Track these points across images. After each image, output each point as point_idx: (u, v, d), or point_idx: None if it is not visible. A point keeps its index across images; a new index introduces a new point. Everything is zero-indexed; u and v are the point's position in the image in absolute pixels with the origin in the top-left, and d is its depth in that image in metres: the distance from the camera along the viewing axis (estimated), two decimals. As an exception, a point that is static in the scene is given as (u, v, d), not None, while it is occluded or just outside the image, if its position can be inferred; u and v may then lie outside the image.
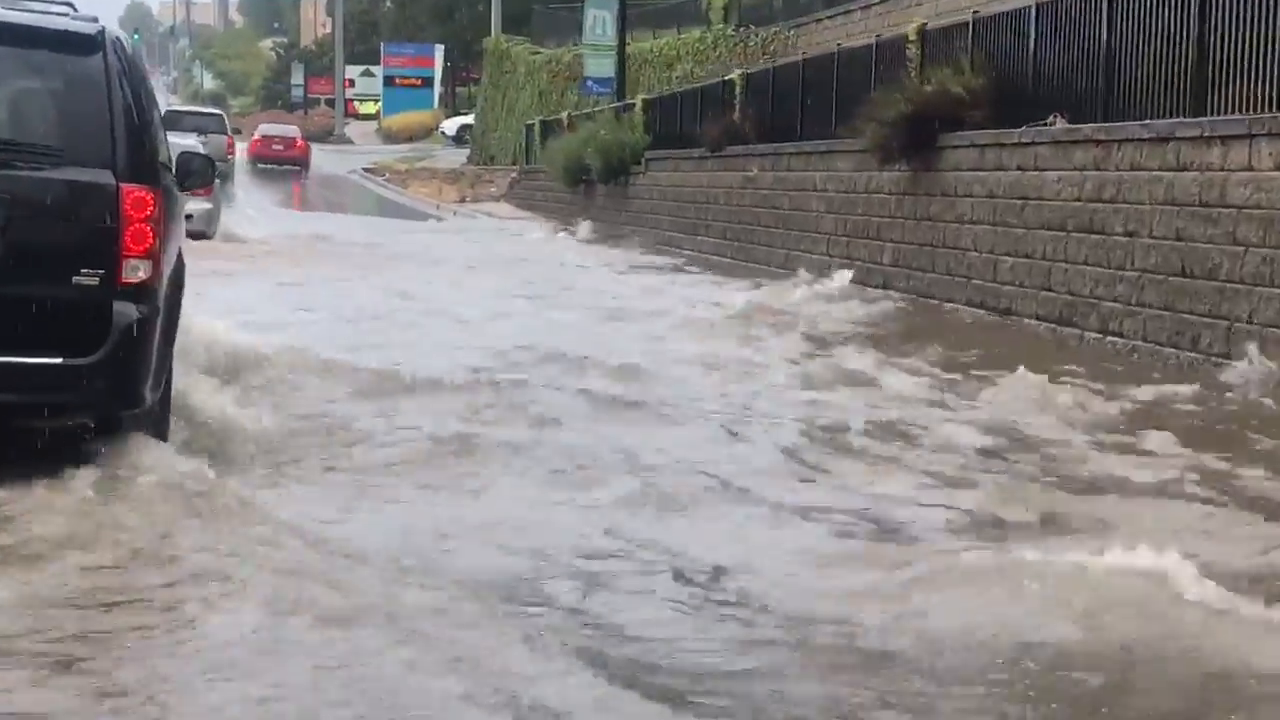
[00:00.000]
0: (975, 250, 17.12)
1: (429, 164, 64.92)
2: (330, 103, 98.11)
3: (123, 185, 7.66)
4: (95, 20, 8.27)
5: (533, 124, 48.44)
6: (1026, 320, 15.67)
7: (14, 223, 7.53)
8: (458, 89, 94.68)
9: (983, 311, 16.71)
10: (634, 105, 35.93)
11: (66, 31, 8.00)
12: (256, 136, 64.90)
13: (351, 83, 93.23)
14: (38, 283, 7.55)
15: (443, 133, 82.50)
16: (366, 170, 63.73)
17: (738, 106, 28.03)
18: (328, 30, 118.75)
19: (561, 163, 37.98)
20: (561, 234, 35.33)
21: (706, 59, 42.71)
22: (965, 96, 18.15)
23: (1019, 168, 16.30)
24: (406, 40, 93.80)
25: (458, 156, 69.90)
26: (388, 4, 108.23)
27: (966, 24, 18.79)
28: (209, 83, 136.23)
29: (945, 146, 18.17)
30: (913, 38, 20.22)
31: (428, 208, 48.04)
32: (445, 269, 24.44)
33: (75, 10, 8.62)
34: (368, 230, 34.84)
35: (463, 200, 48.66)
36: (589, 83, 40.52)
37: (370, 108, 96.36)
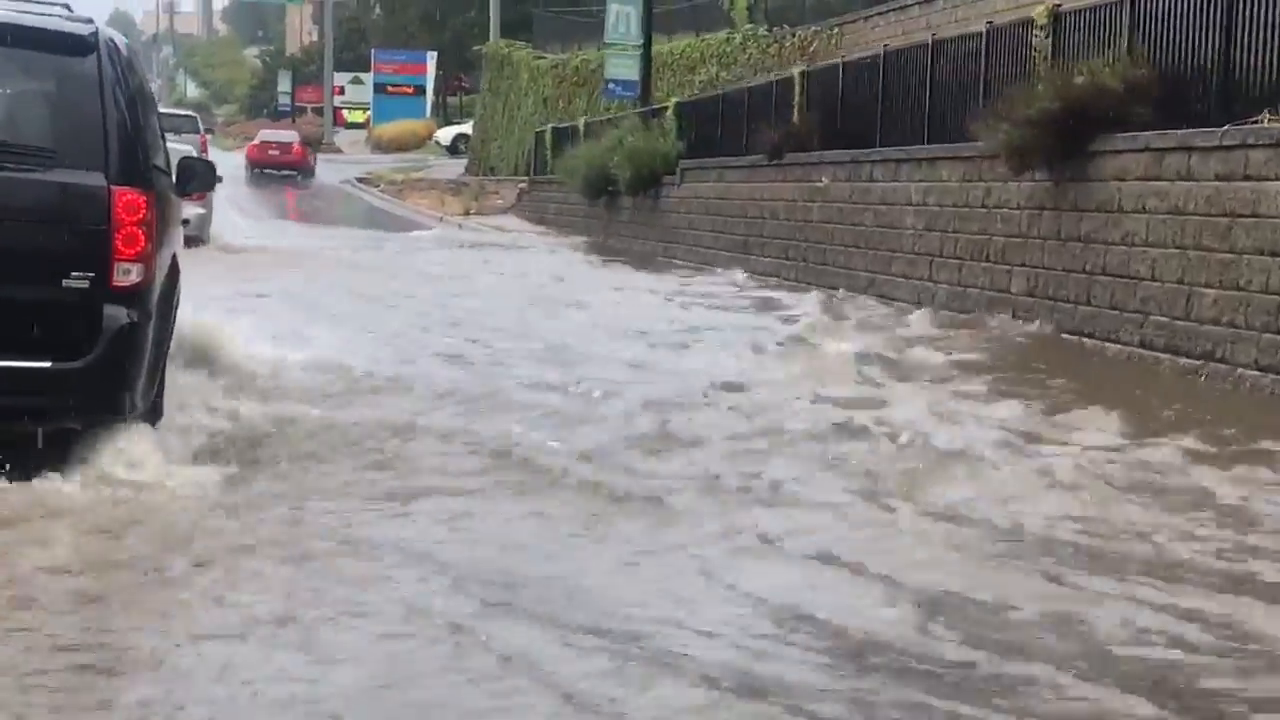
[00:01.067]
0: (1155, 279, 13.73)
1: (426, 174, 61.55)
2: (318, 111, 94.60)
3: (114, 188, 7.51)
4: (90, 21, 8.04)
5: (543, 131, 45.02)
6: (1241, 370, 12.29)
7: (3, 225, 7.41)
8: (449, 98, 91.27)
9: (1169, 356, 13.33)
10: (664, 110, 32.53)
11: (60, 33, 7.82)
12: (255, 142, 64.38)
13: (341, 90, 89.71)
14: (28, 285, 7.42)
15: (437, 142, 79.01)
16: (360, 181, 60.30)
17: (797, 109, 24.67)
18: (314, 39, 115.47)
19: (582, 173, 34.57)
20: (592, 253, 31.85)
21: (734, 61, 39.34)
22: (1123, 91, 14.83)
23: (1220, 177, 12.93)
24: (396, 48, 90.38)
25: (454, 167, 66.49)
26: (376, 11, 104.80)
27: (1120, 2, 15.41)
28: (193, 91, 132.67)
29: (1102, 151, 14.80)
30: (1042, 21, 16.85)
31: (430, 220, 44.61)
32: (510, 297, 20.70)
33: (70, 10, 8.40)
34: (379, 247, 31.38)
35: (467, 213, 45.21)
36: (611, 85, 37.10)
37: (359, 116, 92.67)
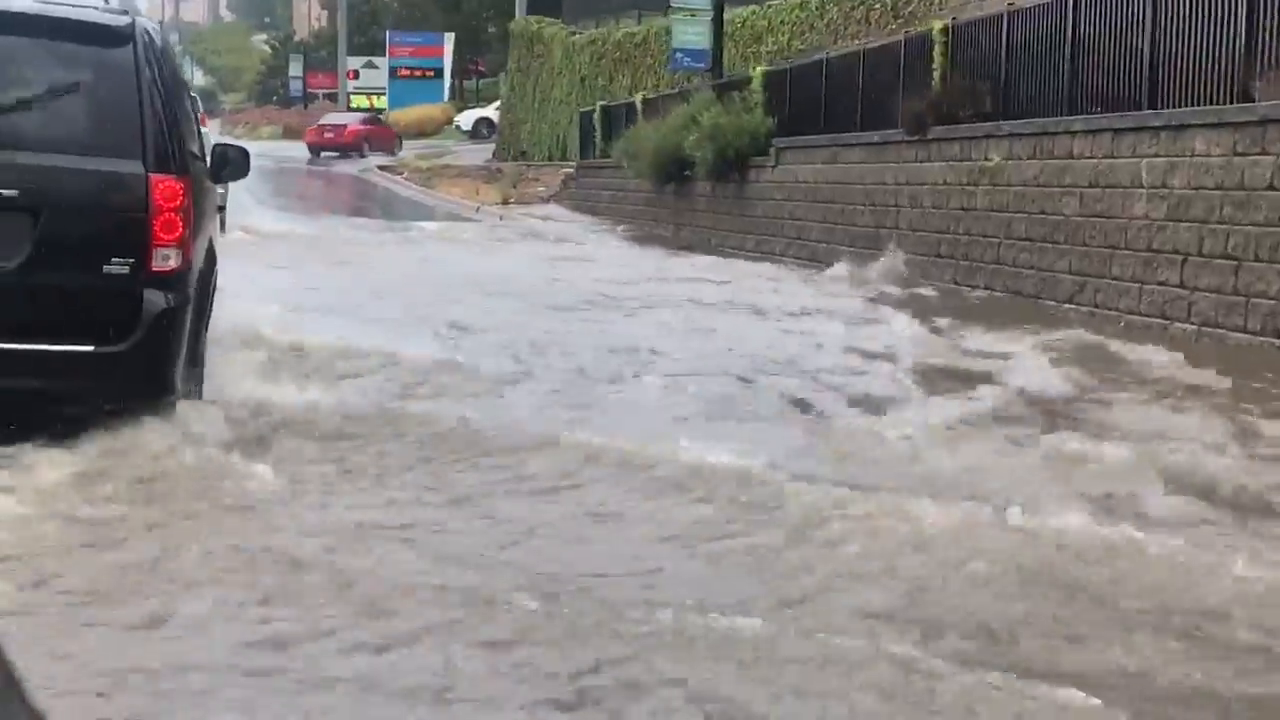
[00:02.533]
0: None
1: (451, 161, 57.05)
2: (330, 97, 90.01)
3: (152, 175, 7.63)
4: (125, 12, 8.29)
5: (590, 111, 40.49)
6: None
7: (46, 213, 7.50)
8: (464, 82, 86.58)
9: None
10: (747, 81, 28.01)
11: (97, 24, 7.94)
12: (314, 126, 68.15)
13: (356, 74, 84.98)
14: (70, 272, 7.51)
15: (457, 127, 74.61)
16: (382, 168, 55.82)
17: (938, 73, 20.17)
18: (323, 24, 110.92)
19: (648, 156, 30.06)
20: (676, 247, 27.33)
21: (809, 28, 34.77)
22: None
23: None
24: (411, 29, 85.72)
25: (479, 152, 62.07)
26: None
27: None
28: (199, 79, 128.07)
29: None
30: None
31: (466, 210, 40.14)
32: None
33: (105, 1, 8.66)
34: (455, 240, 26.91)
35: (506, 202, 40.71)
36: (678, 55, 32.56)
37: (364, 102, 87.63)
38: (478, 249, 25.58)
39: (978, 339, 13.71)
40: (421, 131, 78.51)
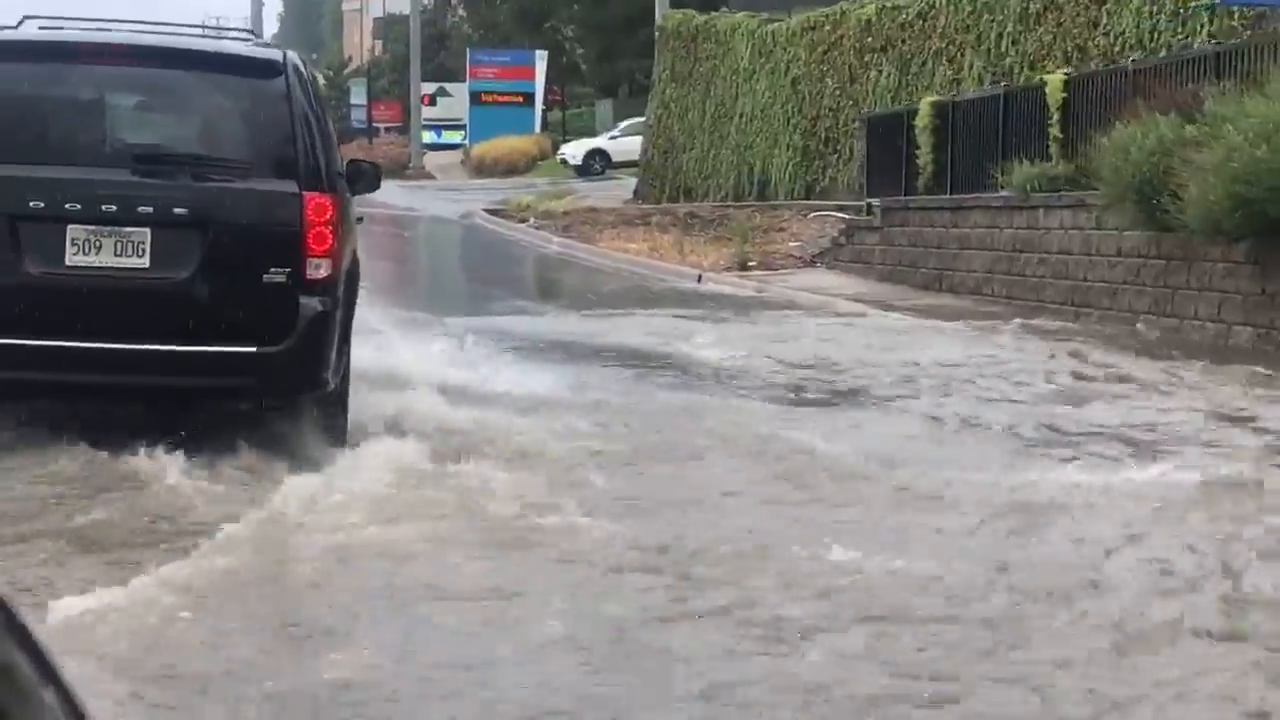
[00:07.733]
0: None
1: (584, 200, 40.19)
2: (395, 130, 73.55)
3: (305, 193, 8.00)
4: (276, 46, 9.25)
5: (899, 114, 23.50)
6: None
7: (212, 229, 7.94)
8: (548, 113, 69.91)
9: None
10: None
11: (252, 57, 8.55)
12: None
13: (432, 100, 68.24)
14: (234, 281, 7.93)
15: (563, 161, 57.80)
16: (493, 213, 39.04)
17: None
18: (377, 53, 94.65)
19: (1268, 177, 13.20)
20: None
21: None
22: None
23: None
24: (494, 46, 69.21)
25: (608, 189, 45.30)
26: (460, 12, 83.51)
27: None
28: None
29: None
30: None
31: (683, 280, 23.38)
32: None
33: (256, 36, 9.62)
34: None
35: (745, 266, 23.87)
36: (1236, -22, 15.96)
37: (439, 136, 70.82)
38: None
39: None
40: (513, 168, 61.97)
